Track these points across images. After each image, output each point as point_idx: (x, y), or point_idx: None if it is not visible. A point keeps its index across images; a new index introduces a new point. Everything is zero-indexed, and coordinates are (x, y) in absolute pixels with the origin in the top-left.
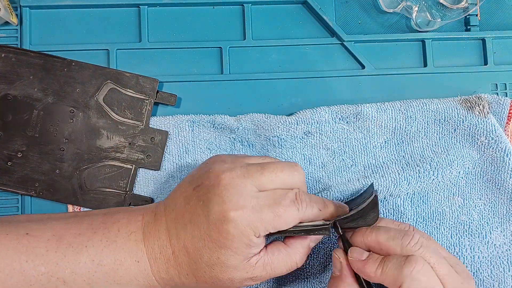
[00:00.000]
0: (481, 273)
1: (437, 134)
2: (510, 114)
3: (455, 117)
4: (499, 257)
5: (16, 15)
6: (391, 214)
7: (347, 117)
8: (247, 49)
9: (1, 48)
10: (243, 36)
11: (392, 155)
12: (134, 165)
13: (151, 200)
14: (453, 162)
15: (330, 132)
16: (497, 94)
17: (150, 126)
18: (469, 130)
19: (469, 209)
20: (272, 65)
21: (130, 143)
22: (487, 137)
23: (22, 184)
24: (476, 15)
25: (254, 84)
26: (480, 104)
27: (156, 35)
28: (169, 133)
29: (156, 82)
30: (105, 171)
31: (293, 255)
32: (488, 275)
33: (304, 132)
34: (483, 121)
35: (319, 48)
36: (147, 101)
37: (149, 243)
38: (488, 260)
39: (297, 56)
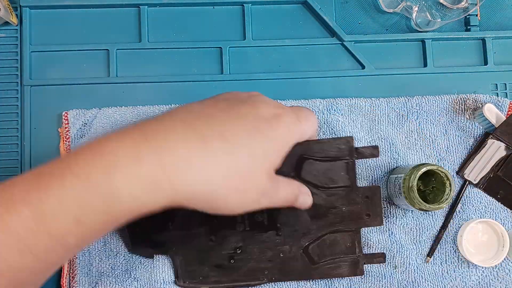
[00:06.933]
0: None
1: (430, 135)
2: (508, 115)
3: (445, 118)
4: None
5: (16, 15)
6: (389, 221)
7: (341, 109)
8: (247, 49)
9: None
10: (243, 36)
11: (386, 155)
12: (356, 227)
13: (383, 256)
14: (444, 165)
15: (324, 123)
16: (497, 94)
17: (359, 185)
18: (459, 131)
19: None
20: (272, 65)
21: (344, 207)
22: (476, 140)
23: (251, 275)
24: (476, 15)
25: (254, 84)
26: (475, 106)
27: (156, 35)
28: None
29: (352, 140)
30: (330, 240)
31: (295, 185)
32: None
33: None
34: (472, 124)
35: (319, 48)
36: (347, 162)
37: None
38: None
39: (297, 56)
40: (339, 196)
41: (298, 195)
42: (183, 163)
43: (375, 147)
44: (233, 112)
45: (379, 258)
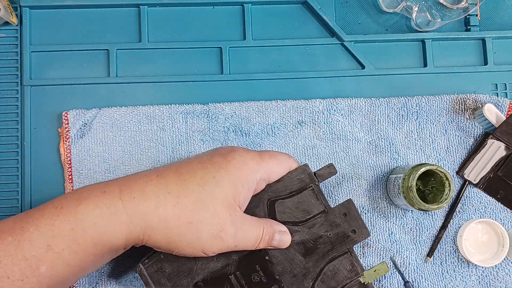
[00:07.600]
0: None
1: (429, 135)
2: (508, 115)
3: (445, 118)
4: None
5: (16, 15)
6: (389, 221)
7: (342, 109)
8: (247, 49)
9: None
10: (243, 36)
11: (386, 155)
12: (347, 247)
13: (385, 265)
14: (444, 165)
15: (324, 123)
16: (497, 94)
17: (331, 206)
18: (459, 131)
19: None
20: (272, 65)
21: (329, 233)
22: (476, 140)
23: None
24: (476, 15)
25: (254, 84)
26: (475, 106)
27: (156, 35)
28: (163, 124)
29: (307, 167)
30: (330, 270)
31: (269, 224)
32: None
33: (298, 121)
34: (472, 124)
35: (319, 48)
36: (313, 189)
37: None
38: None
39: (297, 56)
40: (320, 224)
41: (274, 233)
42: (137, 193)
43: (331, 165)
44: (201, 155)
45: (383, 269)
